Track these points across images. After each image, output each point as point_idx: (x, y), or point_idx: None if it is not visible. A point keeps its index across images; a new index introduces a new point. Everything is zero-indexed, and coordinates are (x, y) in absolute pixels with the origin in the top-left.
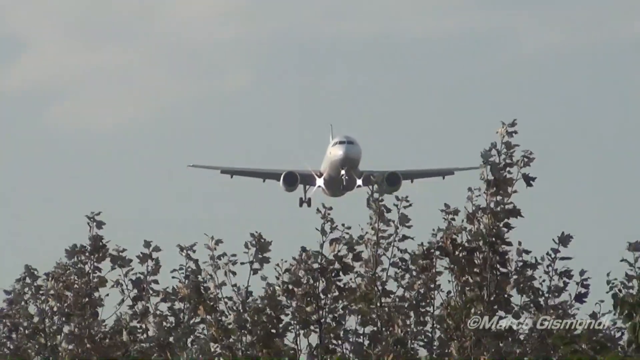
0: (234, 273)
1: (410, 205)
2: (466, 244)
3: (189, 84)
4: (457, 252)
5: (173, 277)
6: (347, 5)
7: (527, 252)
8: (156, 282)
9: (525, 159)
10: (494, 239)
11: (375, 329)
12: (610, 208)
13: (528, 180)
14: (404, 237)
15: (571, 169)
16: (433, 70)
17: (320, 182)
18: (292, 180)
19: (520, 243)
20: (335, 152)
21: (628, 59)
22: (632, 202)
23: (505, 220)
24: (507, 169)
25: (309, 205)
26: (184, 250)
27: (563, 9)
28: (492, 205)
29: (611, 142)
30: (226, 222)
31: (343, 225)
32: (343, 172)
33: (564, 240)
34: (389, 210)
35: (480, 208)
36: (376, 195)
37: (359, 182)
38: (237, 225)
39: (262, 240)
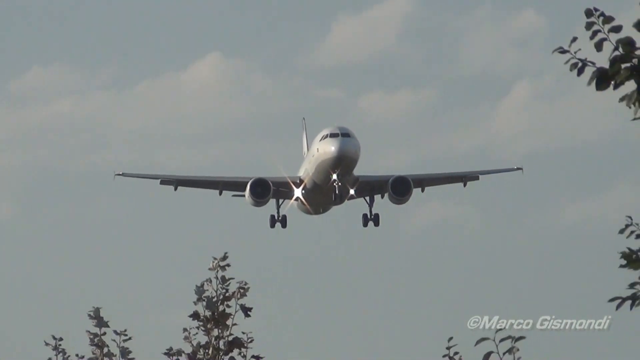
0: None
1: (129, 338)
2: None
3: None
4: None
5: None
6: (105, 136)
7: None
8: None
9: (241, 290)
10: None
11: None
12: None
13: (245, 311)
14: None
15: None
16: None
17: (299, 192)
18: (262, 189)
19: None
20: (326, 148)
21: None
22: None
23: (230, 354)
24: (226, 302)
25: (284, 225)
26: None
27: None
28: (213, 340)
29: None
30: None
31: (77, 355)
32: (335, 176)
33: None
34: (106, 345)
35: (200, 346)
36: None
37: (352, 191)
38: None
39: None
